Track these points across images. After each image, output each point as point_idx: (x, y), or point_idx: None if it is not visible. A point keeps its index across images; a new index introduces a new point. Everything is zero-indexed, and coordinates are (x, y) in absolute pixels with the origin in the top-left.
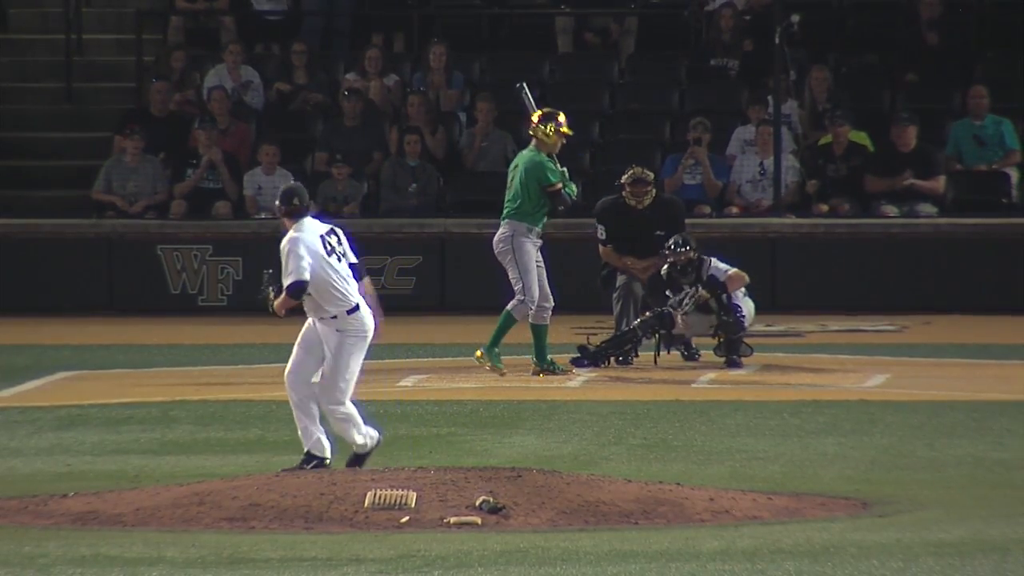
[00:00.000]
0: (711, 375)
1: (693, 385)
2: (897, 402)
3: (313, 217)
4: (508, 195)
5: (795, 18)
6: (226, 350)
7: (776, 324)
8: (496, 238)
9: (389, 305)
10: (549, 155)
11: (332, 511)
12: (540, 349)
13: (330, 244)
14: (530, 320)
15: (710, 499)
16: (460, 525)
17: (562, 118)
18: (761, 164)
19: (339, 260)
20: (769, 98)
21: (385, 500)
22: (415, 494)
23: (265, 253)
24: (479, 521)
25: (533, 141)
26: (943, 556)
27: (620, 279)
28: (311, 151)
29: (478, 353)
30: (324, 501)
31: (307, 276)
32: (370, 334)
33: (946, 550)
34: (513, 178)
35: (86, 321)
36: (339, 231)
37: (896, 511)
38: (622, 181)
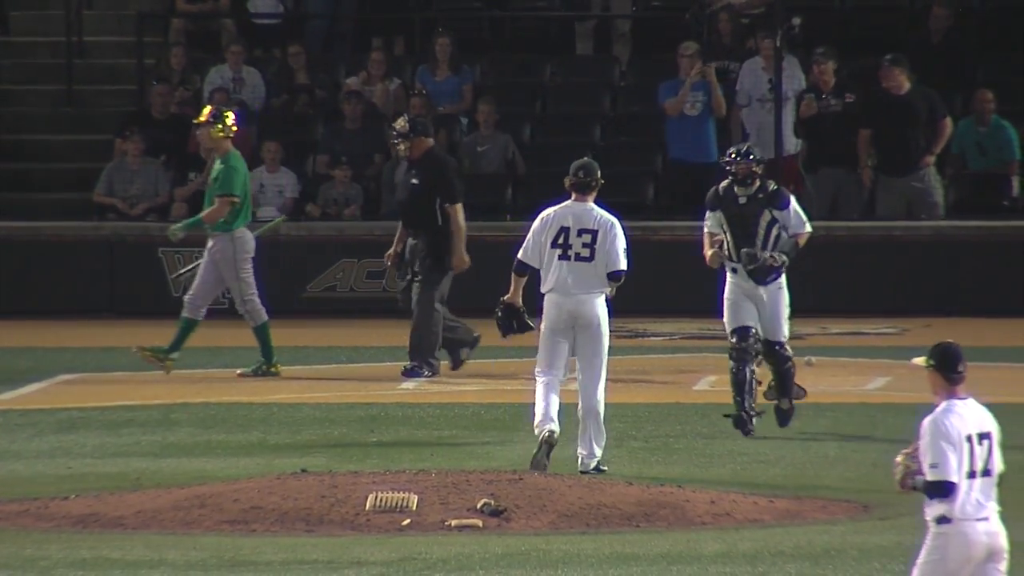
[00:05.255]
0: (712, 378)
1: (694, 388)
2: (898, 404)
3: (597, 204)
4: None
5: (796, 20)
6: (227, 353)
7: None
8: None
9: (390, 308)
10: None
11: (333, 514)
12: (179, 342)
13: (564, 239)
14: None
15: (711, 502)
16: (461, 528)
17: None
18: (769, 81)
19: (561, 257)
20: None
21: (386, 503)
22: (416, 497)
23: (265, 255)
24: (480, 524)
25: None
26: None
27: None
28: (312, 153)
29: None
30: (325, 504)
31: (527, 253)
32: (547, 321)
33: None
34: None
35: (87, 324)
36: (600, 230)
37: (897, 514)
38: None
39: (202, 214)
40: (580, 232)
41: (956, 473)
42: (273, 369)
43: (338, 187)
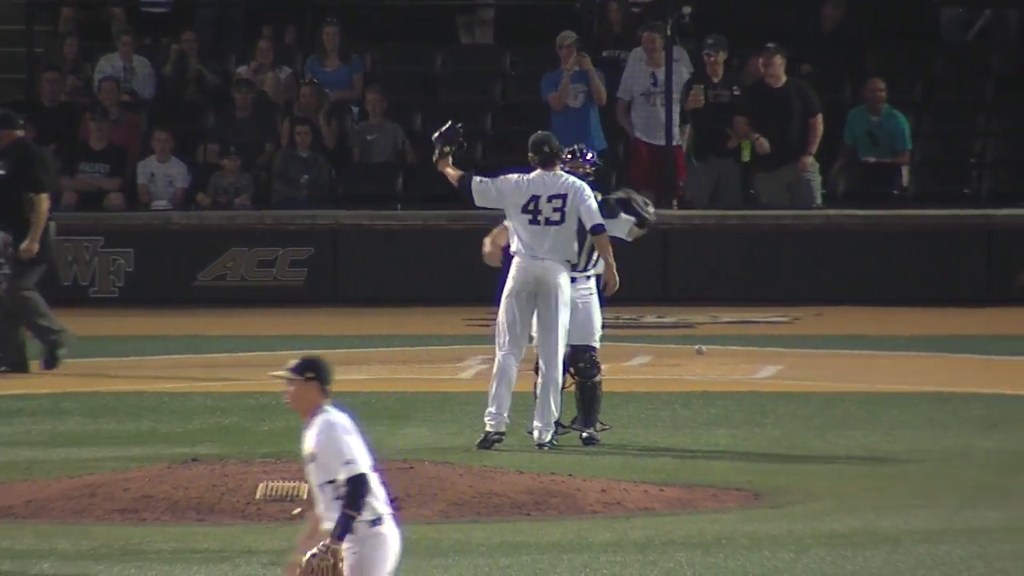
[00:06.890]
0: (606, 366)
1: None
2: (789, 393)
3: (566, 171)
4: None
5: (687, 10)
6: (117, 342)
7: (667, 315)
8: None
9: (281, 297)
10: None
11: (224, 503)
12: None
13: (535, 206)
14: None
15: (602, 490)
16: None
17: None
18: (653, 75)
19: (532, 222)
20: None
21: (277, 492)
22: (306, 486)
23: (156, 244)
24: None
25: None
26: (835, 547)
27: None
28: (203, 142)
29: None
30: (216, 493)
31: (481, 186)
32: (511, 284)
33: (838, 541)
34: None
35: None
36: (569, 193)
37: (788, 502)
38: None
39: None
40: (551, 198)
41: (368, 463)
42: None
43: (228, 176)
